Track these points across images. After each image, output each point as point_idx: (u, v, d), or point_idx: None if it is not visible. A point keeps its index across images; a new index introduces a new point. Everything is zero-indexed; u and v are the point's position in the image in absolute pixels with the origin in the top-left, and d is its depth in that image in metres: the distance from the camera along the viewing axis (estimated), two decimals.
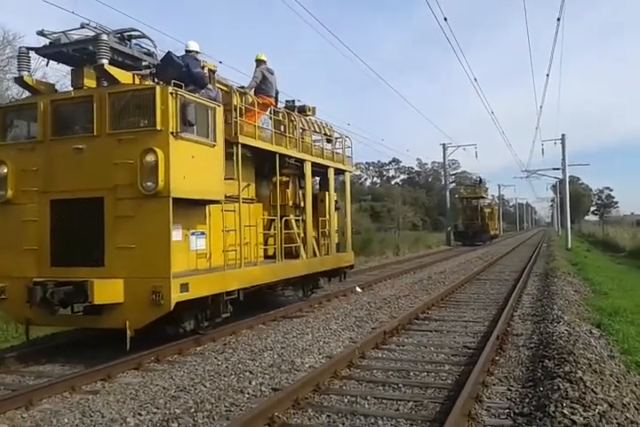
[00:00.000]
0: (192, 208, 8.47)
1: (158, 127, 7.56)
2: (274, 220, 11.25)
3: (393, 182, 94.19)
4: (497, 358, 7.63)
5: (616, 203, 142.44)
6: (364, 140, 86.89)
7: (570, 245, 37.57)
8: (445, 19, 15.21)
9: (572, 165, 42.98)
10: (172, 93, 7.66)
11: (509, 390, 6.25)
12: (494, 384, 6.46)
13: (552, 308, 11.16)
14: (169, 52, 8.77)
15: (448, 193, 50.77)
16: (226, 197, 8.98)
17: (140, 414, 5.59)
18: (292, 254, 11.72)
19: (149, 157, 7.49)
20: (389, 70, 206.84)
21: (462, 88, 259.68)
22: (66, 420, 5.47)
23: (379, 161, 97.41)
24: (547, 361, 6.96)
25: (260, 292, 10.48)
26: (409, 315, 10.64)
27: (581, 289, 15.34)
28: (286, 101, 13.57)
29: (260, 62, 11.68)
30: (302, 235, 12.21)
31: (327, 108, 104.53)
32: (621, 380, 6.22)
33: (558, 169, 41.72)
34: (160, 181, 7.44)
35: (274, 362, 7.53)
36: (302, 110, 13.34)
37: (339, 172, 14.50)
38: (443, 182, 55.30)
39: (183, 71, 8.56)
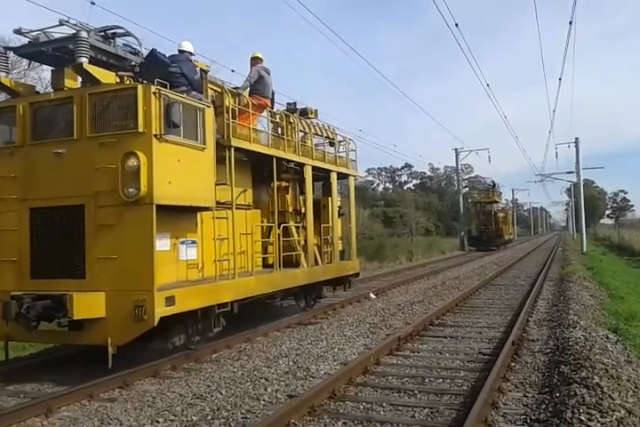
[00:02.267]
0: (181, 216, 8.06)
1: (140, 129, 7.14)
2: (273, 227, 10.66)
3: (405, 188, 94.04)
4: (513, 364, 7.60)
5: (632, 206, 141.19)
6: (377, 145, 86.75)
7: (585, 249, 37.27)
8: (457, 24, 15.23)
9: (587, 169, 42.80)
10: (155, 93, 7.25)
11: (526, 396, 6.23)
12: (510, 390, 6.44)
13: (568, 313, 11.09)
14: (153, 50, 8.38)
15: (461, 198, 50.59)
16: (219, 203, 8.59)
17: (158, 422, 5.65)
18: (292, 263, 11.18)
19: (131, 162, 7.05)
20: (400, 75, 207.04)
21: (474, 92, 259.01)
22: None
23: (391, 166, 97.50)
24: (563, 367, 6.93)
25: (258, 303, 9.96)
26: (423, 321, 10.62)
27: (597, 294, 15.21)
28: (287, 104, 13.14)
29: (255, 61, 11.04)
30: (303, 243, 11.64)
31: (338, 114, 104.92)
32: (639, 385, 6.18)
33: (572, 173, 41.58)
34: (142, 187, 7.00)
35: (289, 369, 7.56)
36: (304, 113, 12.90)
37: (342, 176, 13.91)
38: (455, 187, 55.13)
39: (171, 71, 8.18)
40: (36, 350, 9.22)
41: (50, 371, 7.80)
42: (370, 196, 74.55)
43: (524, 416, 5.57)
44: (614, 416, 5.01)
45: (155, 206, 7.07)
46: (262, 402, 6.18)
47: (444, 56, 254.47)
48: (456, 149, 49.56)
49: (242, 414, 5.81)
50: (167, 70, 8.16)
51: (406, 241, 40.16)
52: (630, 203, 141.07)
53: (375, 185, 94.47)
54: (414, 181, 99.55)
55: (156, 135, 7.19)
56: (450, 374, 7.23)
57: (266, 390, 6.63)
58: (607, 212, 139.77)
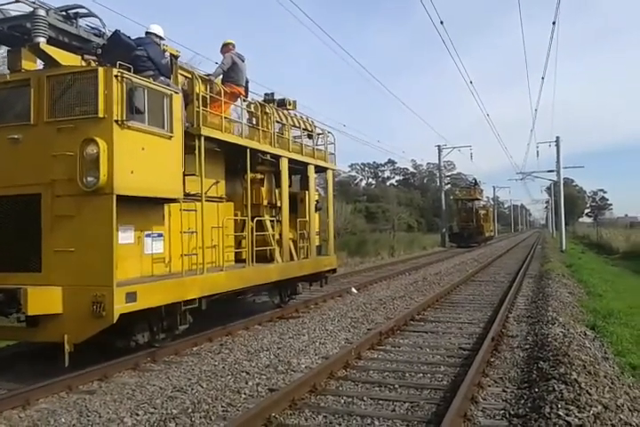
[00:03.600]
0: (147, 207, 7.73)
1: (100, 114, 6.73)
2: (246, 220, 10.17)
3: (388, 183, 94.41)
4: (492, 359, 7.66)
5: (610, 205, 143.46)
6: (360, 141, 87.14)
7: (564, 247, 37.72)
8: (442, 22, 15.28)
9: (567, 168, 43.27)
10: (116, 76, 6.82)
11: (505, 391, 6.29)
12: (490, 385, 6.50)
13: (547, 309, 11.22)
14: (116, 31, 7.96)
15: (443, 194, 50.90)
16: (188, 195, 8.31)
17: (137, 414, 5.60)
18: (267, 258, 10.81)
19: (90, 149, 6.62)
20: (385, 72, 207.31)
21: (458, 90, 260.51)
22: (63, 420, 5.48)
23: (374, 162, 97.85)
24: (542, 363, 7.01)
25: (230, 299, 9.72)
26: (404, 316, 10.67)
27: (576, 291, 15.42)
28: (265, 94, 12.73)
29: (227, 47, 10.49)
30: (278, 237, 11.24)
31: (323, 109, 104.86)
32: (615, 381, 6.27)
33: (553, 171, 42.01)
34: (102, 176, 6.59)
35: (270, 363, 7.55)
36: (282, 104, 12.50)
37: (321, 169, 13.54)
38: (438, 184, 55.46)
39: (137, 54, 7.83)
40: (13, 341, 9.08)
41: (27, 363, 7.70)
42: (353, 191, 74.76)
43: (503, 411, 5.62)
44: (591, 411, 5.07)
45: (115, 197, 6.69)
46: (243, 395, 6.17)
47: (429, 53, 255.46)
48: (439, 146, 49.92)
49: (222, 407, 5.79)
50: (133, 53, 7.80)
51: (388, 237, 40.29)
52: (609, 202, 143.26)
53: (358, 180, 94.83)
54: (397, 177, 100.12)
55: (117, 121, 6.80)
56: (430, 369, 7.27)
57: (247, 383, 6.61)
58: (586, 210, 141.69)
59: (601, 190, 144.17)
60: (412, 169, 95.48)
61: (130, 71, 7.15)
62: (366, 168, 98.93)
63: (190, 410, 5.68)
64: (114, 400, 6.06)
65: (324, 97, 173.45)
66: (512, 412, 5.57)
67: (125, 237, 7.26)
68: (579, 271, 21.44)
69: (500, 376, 6.86)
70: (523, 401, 5.86)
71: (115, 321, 6.58)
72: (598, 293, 15.05)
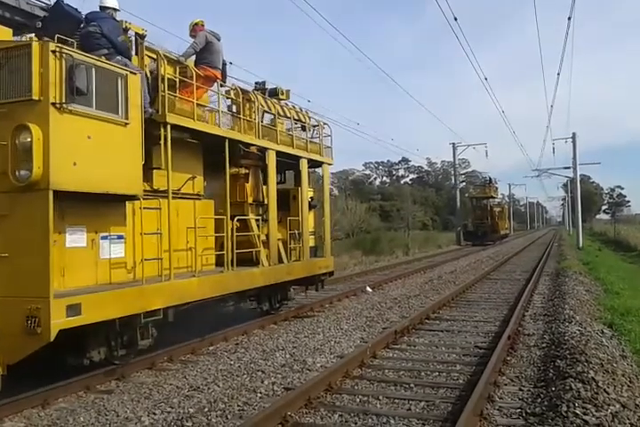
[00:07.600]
0: (103, 206, 6.79)
1: (35, 97, 5.79)
2: (231, 220, 9.05)
3: (402, 182, 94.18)
4: (508, 358, 7.63)
5: (628, 201, 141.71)
6: (374, 139, 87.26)
7: (581, 245, 37.40)
8: (455, 18, 15.15)
9: (583, 164, 42.79)
10: (54, 52, 5.87)
11: (521, 390, 6.26)
12: (506, 384, 6.47)
13: (563, 307, 11.14)
14: (58, 1, 7.11)
15: (458, 192, 50.63)
16: (156, 191, 7.66)
17: (155, 414, 5.66)
18: (252, 261, 9.73)
19: (23, 137, 5.74)
20: (399, 69, 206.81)
21: (473, 87, 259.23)
22: (82, 419, 5.55)
23: (388, 160, 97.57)
24: (558, 361, 6.96)
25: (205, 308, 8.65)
26: (420, 315, 10.65)
27: (593, 289, 15.28)
28: (256, 83, 11.88)
29: (198, 27, 9.15)
30: (264, 238, 10.20)
31: (337, 107, 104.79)
32: (634, 380, 6.22)
33: (569, 168, 41.67)
34: (36, 169, 5.67)
35: (286, 362, 7.58)
36: (274, 93, 11.59)
37: (315, 164, 12.49)
38: (452, 182, 55.17)
39: (89, 31, 7.07)
40: None
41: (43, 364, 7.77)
42: (367, 190, 74.77)
43: (519, 410, 5.60)
44: (609, 410, 5.04)
45: (51, 193, 5.76)
46: (259, 394, 6.20)
47: (443, 50, 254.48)
48: (453, 144, 49.59)
49: (238, 406, 5.83)
50: (84, 29, 7.05)
51: (403, 235, 40.22)
52: (626, 199, 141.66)
53: (372, 179, 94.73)
54: (411, 176, 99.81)
55: (54, 104, 5.86)
56: (446, 368, 7.26)
57: (262, 382, 6.64)
58: (603, 207, 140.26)
59: (618, 187, 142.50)
60: (426, 167, 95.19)
61: (72, 45, 6.26)
62: (380, 167, 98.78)
63: (207, 409, 5.72)
64: (131, 399, 6.13)
65: (337, 95, 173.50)
66: (528, 411, 5.54)
67: (74, 239, 6.41)
68: (596, 269, 21.23)
69: (516, 375, 6.83)
70: (539, 400, 5.83)
71: (52, 339, 5.61)
72: (615, 290, 14.89)
